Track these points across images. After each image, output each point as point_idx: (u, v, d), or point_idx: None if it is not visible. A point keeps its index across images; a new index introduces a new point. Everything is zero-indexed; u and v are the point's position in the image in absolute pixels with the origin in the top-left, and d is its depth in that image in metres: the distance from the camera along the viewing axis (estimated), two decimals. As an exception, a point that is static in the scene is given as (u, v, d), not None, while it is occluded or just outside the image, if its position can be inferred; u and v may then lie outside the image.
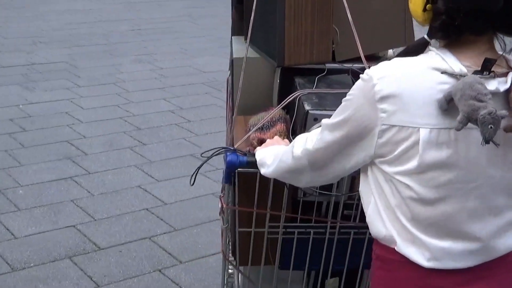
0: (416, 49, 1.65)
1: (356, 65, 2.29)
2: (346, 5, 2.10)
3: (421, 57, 1.61)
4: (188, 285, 3.66)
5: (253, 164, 2.02)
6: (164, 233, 4.14)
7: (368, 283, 2.47)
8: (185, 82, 7.07)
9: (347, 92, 1.74)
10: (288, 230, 2.30)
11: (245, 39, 2.45)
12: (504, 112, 1.46)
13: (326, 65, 2.31)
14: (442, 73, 1.54)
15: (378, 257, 1.74)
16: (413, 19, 1.67)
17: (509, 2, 1.51)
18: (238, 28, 2.65)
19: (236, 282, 2.60)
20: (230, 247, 2.40)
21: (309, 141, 1.75)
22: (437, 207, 1.59)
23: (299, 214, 2.28)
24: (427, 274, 1.63)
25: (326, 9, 2.24)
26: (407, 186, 1.59)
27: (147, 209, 4.40)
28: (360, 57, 2.12)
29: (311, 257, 2.35)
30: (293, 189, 2.20)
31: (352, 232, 2.32)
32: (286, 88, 2.33)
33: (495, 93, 1.52)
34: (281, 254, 2.36)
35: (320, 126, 1.77)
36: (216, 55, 7.87)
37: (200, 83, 7.05)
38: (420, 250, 1.63)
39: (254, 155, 2.04)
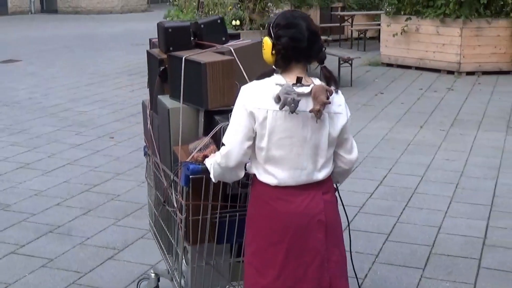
0: (268, 74, 3.03)
1: None
2: (242, 69, 3.55)
3: (269, 78, 3.01)
4: None
5: (207, 170, 3.20)
6: None
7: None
8: None
9: None
10: (222, 215, 3.46)
11: (171, 96, 3.65)
12: (298, 98, 2.84)
13: (232, 107, 3.40)
14: (276, 84, 2.95)
15: (252, 182, 3.12)
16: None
17: (310, 44, 2.94)
18: (161, 90, 3.80)
19: (187, 258, 3.63)
20: (183, 233, 3.47)
21: (223, 157, 3.03)
22: (277, 152, 2.96)
23: (229, 202, 3.46)
24: (273, 189, 3.02)
25: (230, 72, 3.50)
26: (261, 147, 2.96)
27: None
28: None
29: (237, 232, 3.52)
30: (223, 186, 3.35)
31: None
32: (209, 123, 3.51)
33: (304, 94, 2.91)
34: (217, 233, 3.49)
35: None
36: None
37: None
38: (270, 177, 3.02)
39: (205, 165, 3.24)
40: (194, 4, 12.26)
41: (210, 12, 11.55)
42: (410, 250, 5.15)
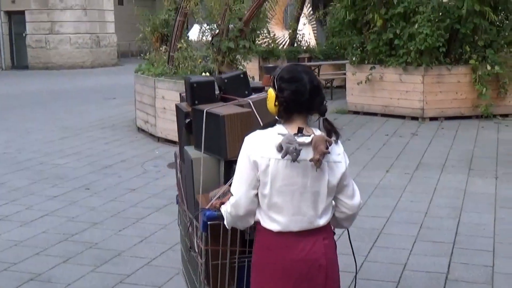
0: (272, 124, 3.21)
1: None
2: (260, 120, 3.81)
3: (272, 128, 3.17)
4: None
5: (222, 217, 3.38)
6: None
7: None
8: None
9: None
10: (241, 260, 3.63)
11: (195, 147, 3.94)
12: (300, 148, 2.99)
13: None
14: (278, 134, 3.09)
15: (256, 228, 3.25)
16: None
17: (311, 98, 3.11)
18: (187, 142, 4.10)
19: None
20: (203, 277, 3.67)
21: (231, 207, 3.22)
22: (279, 199, 3.11)
23: (247, 247, 3.61)
24: (276, 235, 3.15)
25: (248, 124, 3.72)
26: (264, 194, 3.12)
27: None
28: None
29: None
30: (241, 232, 3.54)
31: None
32: (228, 172, 3.73)
33: (305, 143, 3.04)
34: (237, 277, 3.65)
35: None
36: None
37: None
38: (273, 223, 3.15)
39: (220, 212, 3.41)
40: (165, 58, 12.58)
41: (180, 66, 11.86)
42: (377, 287, 5.41)
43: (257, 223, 3.24)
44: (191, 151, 3.93)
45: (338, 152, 3.19)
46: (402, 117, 13.62)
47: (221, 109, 3.81)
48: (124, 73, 23.69)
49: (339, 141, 3.22)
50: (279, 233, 3.16)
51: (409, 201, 7.85)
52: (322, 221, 3.20)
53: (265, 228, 3.20)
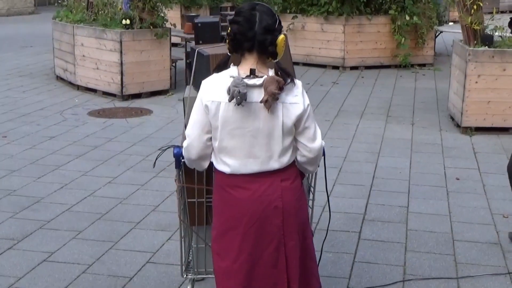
0: (224, 64, 3.16)
1: None
2: None
3: (226, 70, 3.11)
4: None
5: None
6: None
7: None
8: None
9: None
10: None
11: (193, 85, 4.09)
12: (245, 91, 2.94)
13: None
14: (230, 76, 3.03)
15: (214, 169, 3.25)
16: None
17: (257, 35, 3.02)
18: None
19: (193, 240, 3.93)
20: (179, 213, 3.78)
21: (184, 150, 3.24)
22: (230, 142, 3.09)
23: None
24: (228, 176, 3.15)
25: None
26: (215, 138, 3.10)
27: None
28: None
29: None
30: None
31: None
32: None
33: (256, 85, 3.00)
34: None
35: None
36: None
37: None
38: (224, 166, 3.15)
39: None
40: (83, 4, 12.27)
41: (100, 12, 11.61)
42: (297, 228, 5.54)
43: (212, 164, 3.25)
44: (187, 89, 4.06)
45: (295, 93, 3.11)
46: (323, 66, 13.74)
47: (213, 49, 3.86)
48: (41, 22, 22.99)
49: (298, 82, 3.15)
50: (232, 175, 3.15)
51: (328, 147, 7.98)
52: (277, 164, 3.14)
53: (218, 170, 3.20)
